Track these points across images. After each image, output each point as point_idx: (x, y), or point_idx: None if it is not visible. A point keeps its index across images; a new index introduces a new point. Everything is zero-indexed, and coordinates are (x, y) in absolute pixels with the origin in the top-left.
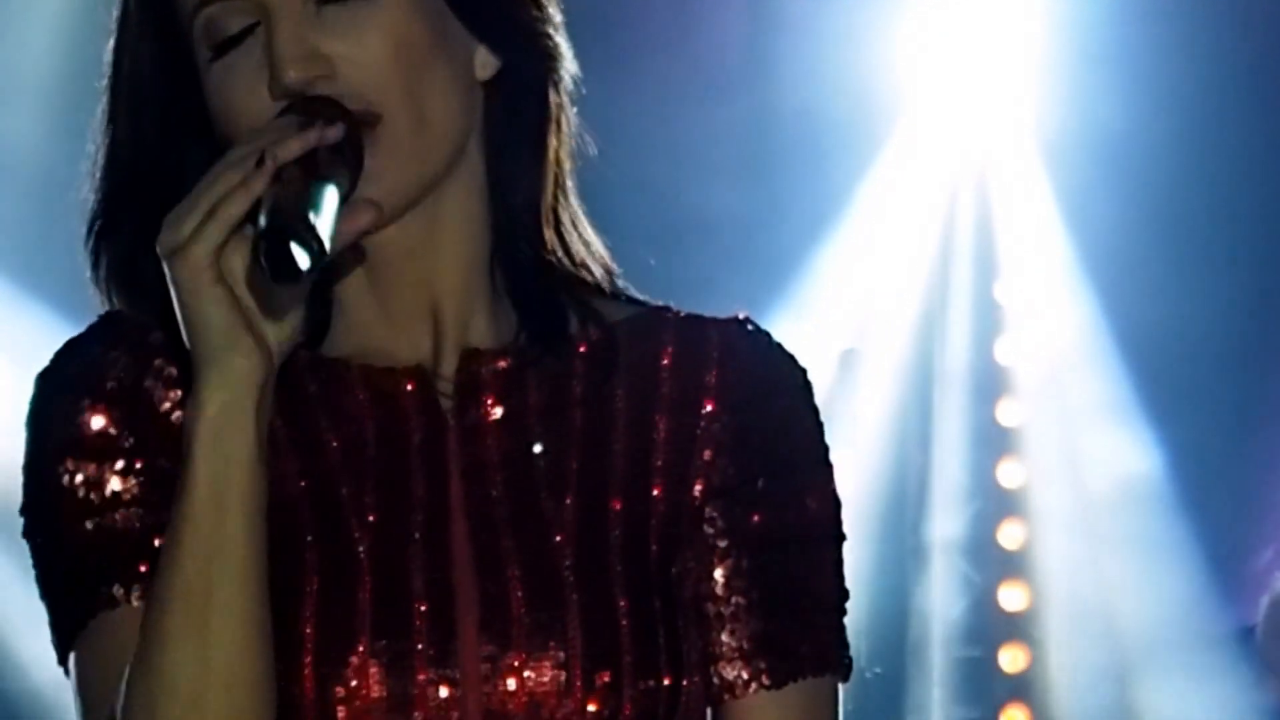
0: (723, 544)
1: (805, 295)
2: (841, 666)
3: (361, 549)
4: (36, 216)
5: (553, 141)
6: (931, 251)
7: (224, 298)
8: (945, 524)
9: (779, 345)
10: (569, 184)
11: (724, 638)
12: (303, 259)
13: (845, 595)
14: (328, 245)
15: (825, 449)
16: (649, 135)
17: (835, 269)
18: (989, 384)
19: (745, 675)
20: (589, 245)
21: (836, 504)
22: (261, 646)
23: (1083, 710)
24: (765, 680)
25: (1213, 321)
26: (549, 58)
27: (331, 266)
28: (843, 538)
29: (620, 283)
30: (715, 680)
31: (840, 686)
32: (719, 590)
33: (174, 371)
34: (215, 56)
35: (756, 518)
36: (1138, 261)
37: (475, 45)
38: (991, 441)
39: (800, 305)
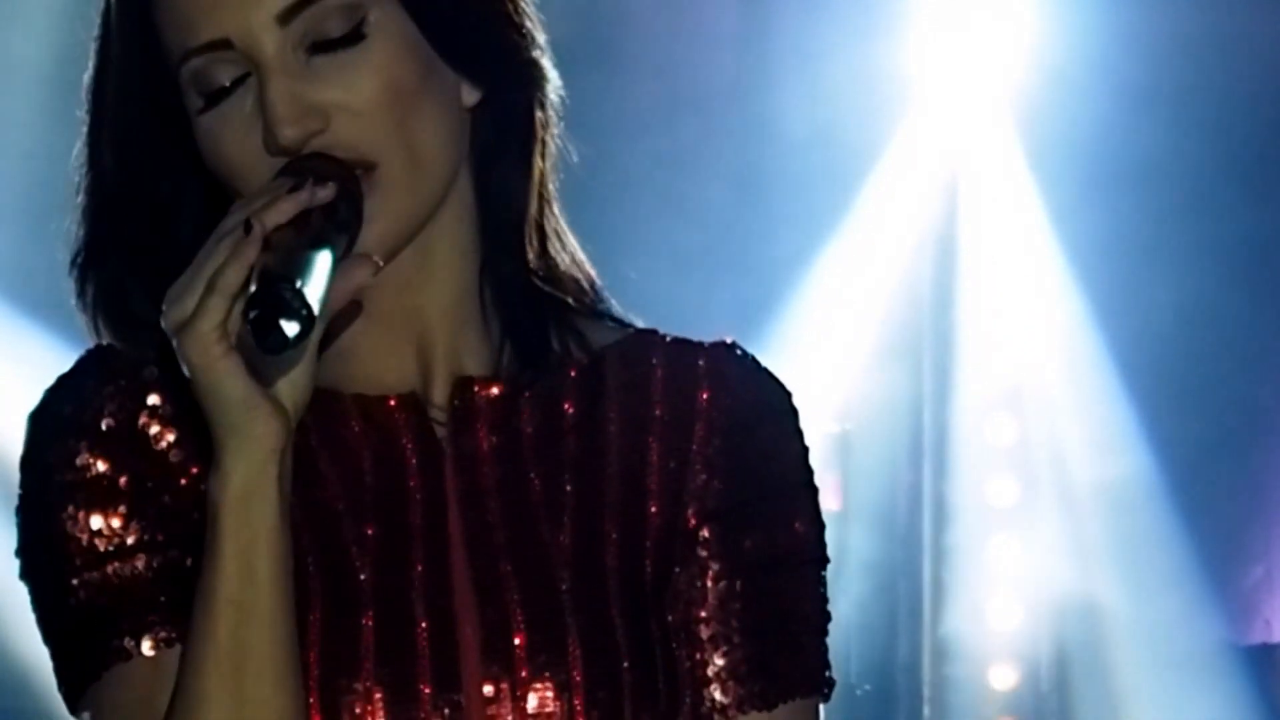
0: (715, 567)
1: (797, 317)
2: (826, 686)
3: (363, 577)
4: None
5: (538, 162)
6: (921, 269)
7: (237, 368)
8: (935, 541)
9: (765, 370)
10: (553, 198)
11: (717, 659)
12: (290, 328)
13: (828, 617)
14: (316, 311)
15: (810, 473)
16: (644, 147)
17: (830, 279)
18: (982, 400)
19: (737, 697)
20: (574, 257)
21: (821, 527)
22: (296, 704)
23: None
24: (757, 702)
25: (1202, 325)
26: (531, 80)
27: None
28: (826, 560)
29: (606, 299)
30: (706, 702)
31: (821, 707)
32: (711, 613)
33: (170, 409)
34: (206, 107)
35: (749, 541)
36: (1127, 265)
37: (460, 75)
38: (982, 459)
39: (797, 314)
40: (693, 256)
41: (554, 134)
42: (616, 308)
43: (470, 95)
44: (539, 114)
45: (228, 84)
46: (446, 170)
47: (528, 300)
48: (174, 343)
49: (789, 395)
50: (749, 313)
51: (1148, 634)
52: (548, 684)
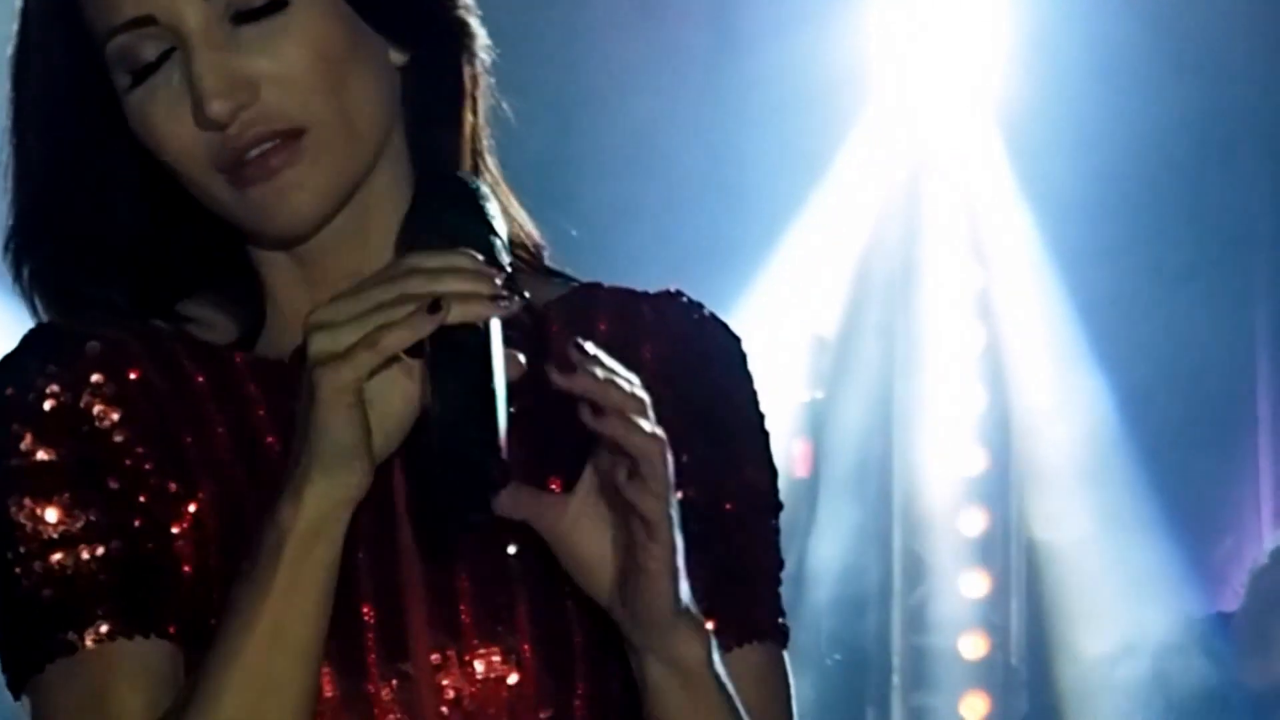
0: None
1: (770, 281)
2: (782, 633)
3: None
4: None
5: (469, 118)
6: (896, 235)
7: (357, 420)
8: (905, 510)
9: (712, 315)
10: (490, 158)
11: None
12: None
13: (781, 564)
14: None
15: (761, 418)
16: (608, 118)
17: (800, 255)
18: (953, 372)
19: None
20: (510, 214)
21: (773, 473)
22: None
23: (1044, 697)
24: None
25: (1179, 304)
26: (458, 39)
27: (265, 263)
28: (779, 507)
29: (546, 255)
30: None
31: (785, 655)
32: None
33: (113, 387)
34: (134, 84)
35: (695, 490)
36: (1103, 243)
37: (385, 37)
38: (954, 429)
39: (765, 291)
40: (663, 228)
41: (485, 91)
42: (558, 263)
43: (398, 56)
44: (467, 71)
45: (154, 59)
46: (377, 131)
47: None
48: (309, 368)
49: (737, 340)
50: (720, 282)
51: (1116, 605)
52: (495, 650)
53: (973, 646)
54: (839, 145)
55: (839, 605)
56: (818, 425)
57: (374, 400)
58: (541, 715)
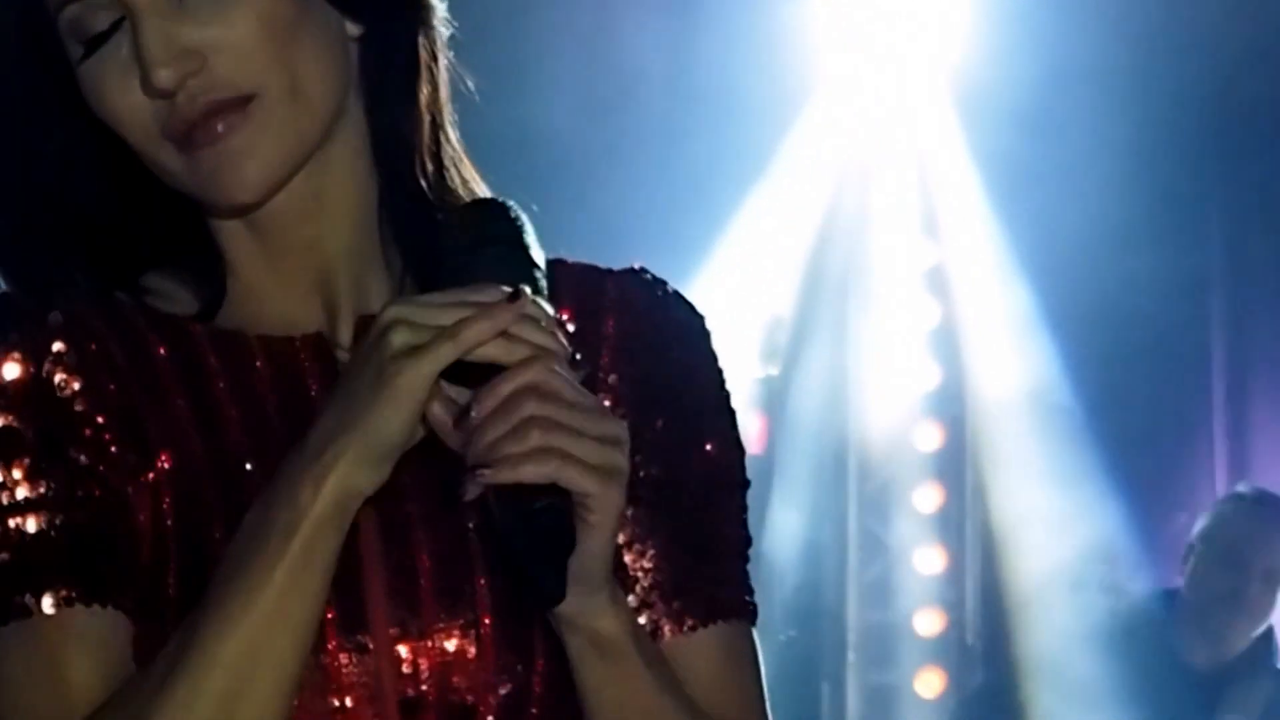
0: (629, 493)
1: (725, 258)
2: (750, 611)
3: None
4: None
5: (425, 89)
6: (847, 212)
7: (414, 420)
8: (861, 487)
9: (675, 292)
10: (450, 130)
11: (637, 585)
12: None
13: (749, 541)
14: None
15: (726, 395)
16: (561, 98)
17: (755, 232)
18: (907, 348)
19: (662, 620)
20: (473, 190)
21: (739, 450)
22: (289, 712)
23: (998, 672)
24: (683, 624)
25: (1136, 279)
26: (413, 11)
27: (224, 235)
28: (746, 484)
29: None
30: None
31: (754, 632)
32: (628, 538)
33: (75, 356)
34: (86, 54)
35: (658, 468)
36: (1056, 216)
37: (337, 8)
38: (910, 407)
39: (720, 269)
40: (617, 207)
41: (442, 62)
42: None
43: (353, 28)
44: (423, 43)
45: (105, 29)
46: (329, 99)
47: (427, 232)
48: (388, 353)
49: (702, 318)
50: (675, 260)
51: (1070, 581)
52: (455, 623)
53: (928, 623)
54: (793, 122)
55: (794, 581)
56: (773, 402)
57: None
58: (501, 690)
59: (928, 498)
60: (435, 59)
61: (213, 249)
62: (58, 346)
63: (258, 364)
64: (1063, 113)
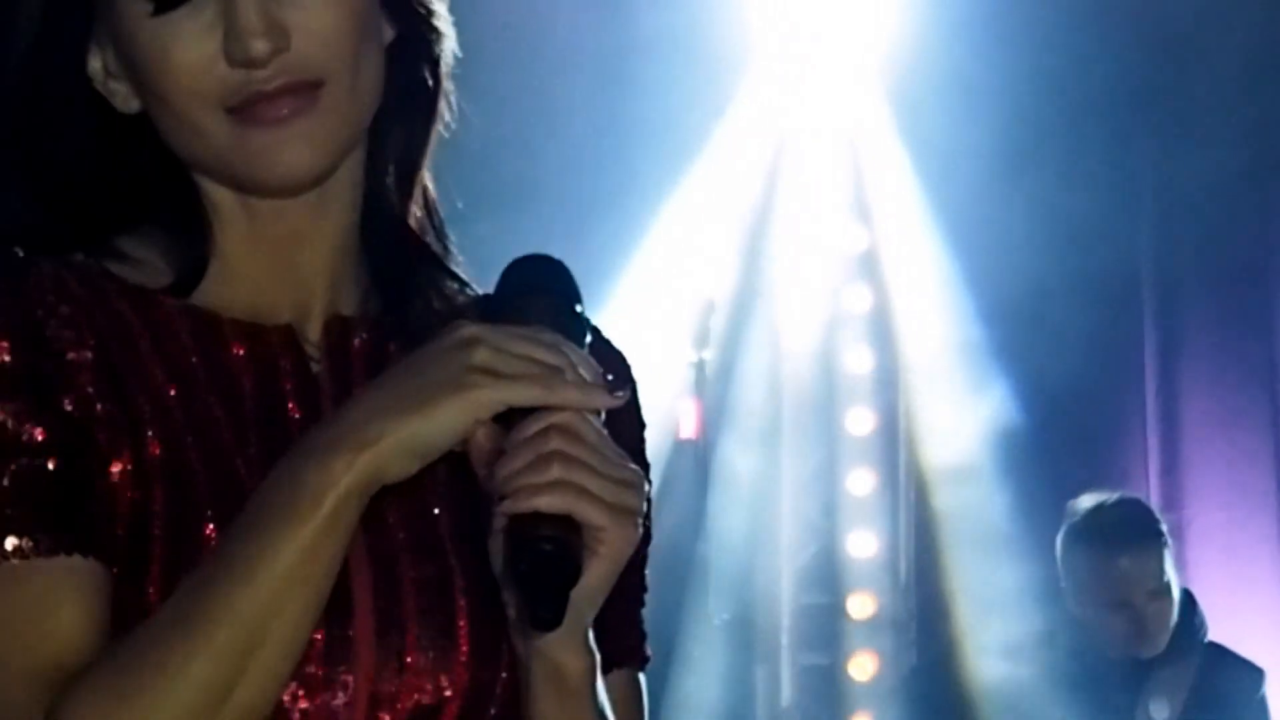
0: None
1: (657, 243)
2: (645, 659)
3: None
4: None
5: (442, 111)
6: (779, 197)
7: (463, 433)
8: (795, 469)
9: (607, 341)
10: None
11: None
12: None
13: (646, 590)
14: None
15: (643, 445)
16: (493, 86)
17: (687, 216)
18: (836, 330)
19: None
20: (438, 214)
21: (648, 505)
22: (287, 680)
23: (932, 655)
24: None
25: (1066, 263)
26: (438, 29)
27: (219, 214)
28: (649, 537)
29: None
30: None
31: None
32: None
33: (66, 309)
34: (157, 10)
35: None
36: (988, 201)
37: (381, 11)
38: (843, 391)
39: (652, 253)
40: (550, 193)
41: (449, 89)
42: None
43: (388, 32)
44: (443, 64)
45: None
46: (375, 97)
47: (401, 248)
48: (467, 365)
49: (628, 365)
50: (608, 245)
51: (1002, 569)
52: (433, 637)
53: (861, 606)
54: (724, 108)
55: (728, 565)
56: (707, 385)
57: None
58: (465, 692)
59: (860, 481)
60: (448, 81)
61: (201, 224)
62: (50, 298)
63: (234, 347)
64: (994, 98)
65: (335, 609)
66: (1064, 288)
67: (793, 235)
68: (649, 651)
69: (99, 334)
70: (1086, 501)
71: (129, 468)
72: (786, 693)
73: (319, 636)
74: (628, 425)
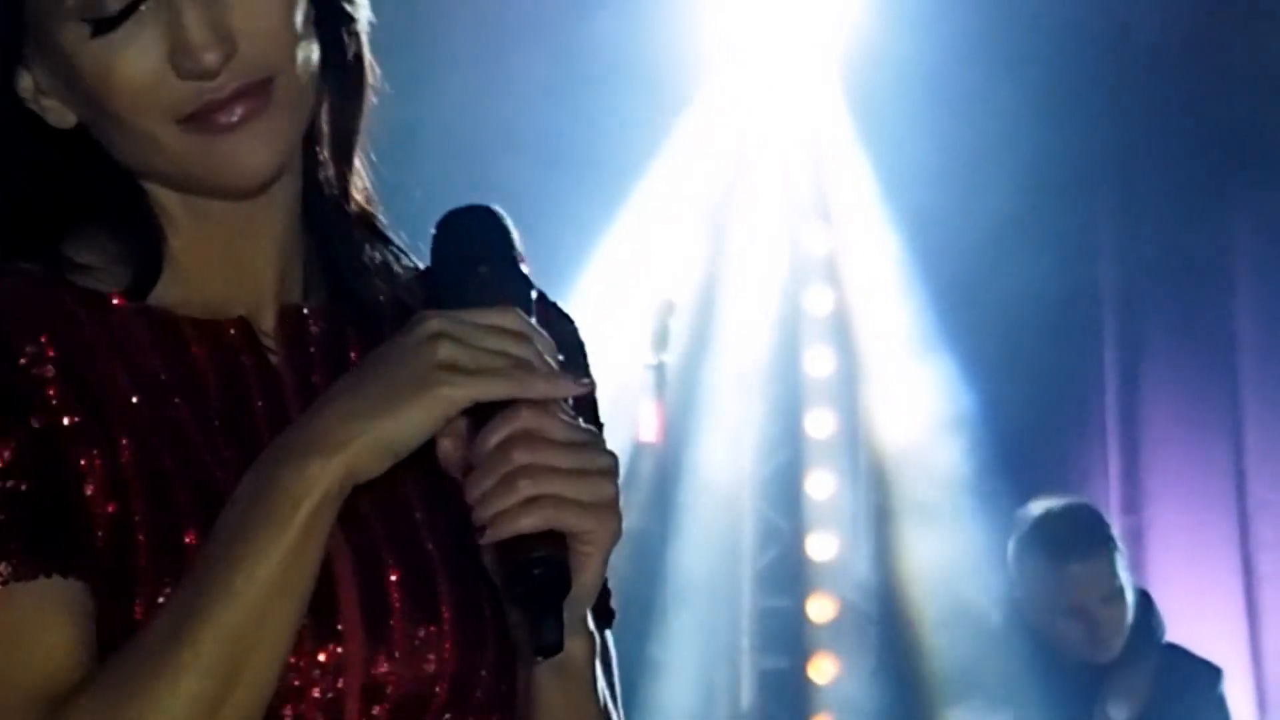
0: None
1: (616, 245)
2: (610, 615)
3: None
4: None
5: (370, 82)
6: (741, 203)
7: (433, 429)
8: (755, 472)
9: (554, 306)
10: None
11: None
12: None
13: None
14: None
15: (596, 409)
16: (450, 85)
17: (647, 218)
18: (797, 333)
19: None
20: (371, 194)
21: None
22: (273, 687)
23: (892, 658)
24: None
25: (1022, 259)
26: (356, 5)
27: (168, 216)
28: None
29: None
30: (509, 632)
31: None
32: None
33: (25, 322)
34: (96, 32)
35: None
36: (946, 201)
37: None
38: (803, 392)
39: (610, 255)
40: (507, 194)
41: (373, 64)
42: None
43: (310, 10)
44: (364, 40)
45: (115, 13)
46: (315, 92)
47: (344, 232)
48: (432, 363)
49: (576, 328)
50: (566, 247)
51: (963, 570)
52: (420, 625)
53: (821, 609)
54: (684, 107)
55: (688, 566)
56: (667, 389)
57: None
58: (453, 677)
59: (820, 484)
60: (371, 59)
61: (152, 227)
62: (12, 310)
63: (192, 345)
64: (954, 99)
65: (321, 606)
66: (1025, 291)
67: (753, 237)
68: (614, 607)
69: (60, 345)
70: (1035, 509)
71: (103, 479)
72: (747, 696)
73: (307, 635)
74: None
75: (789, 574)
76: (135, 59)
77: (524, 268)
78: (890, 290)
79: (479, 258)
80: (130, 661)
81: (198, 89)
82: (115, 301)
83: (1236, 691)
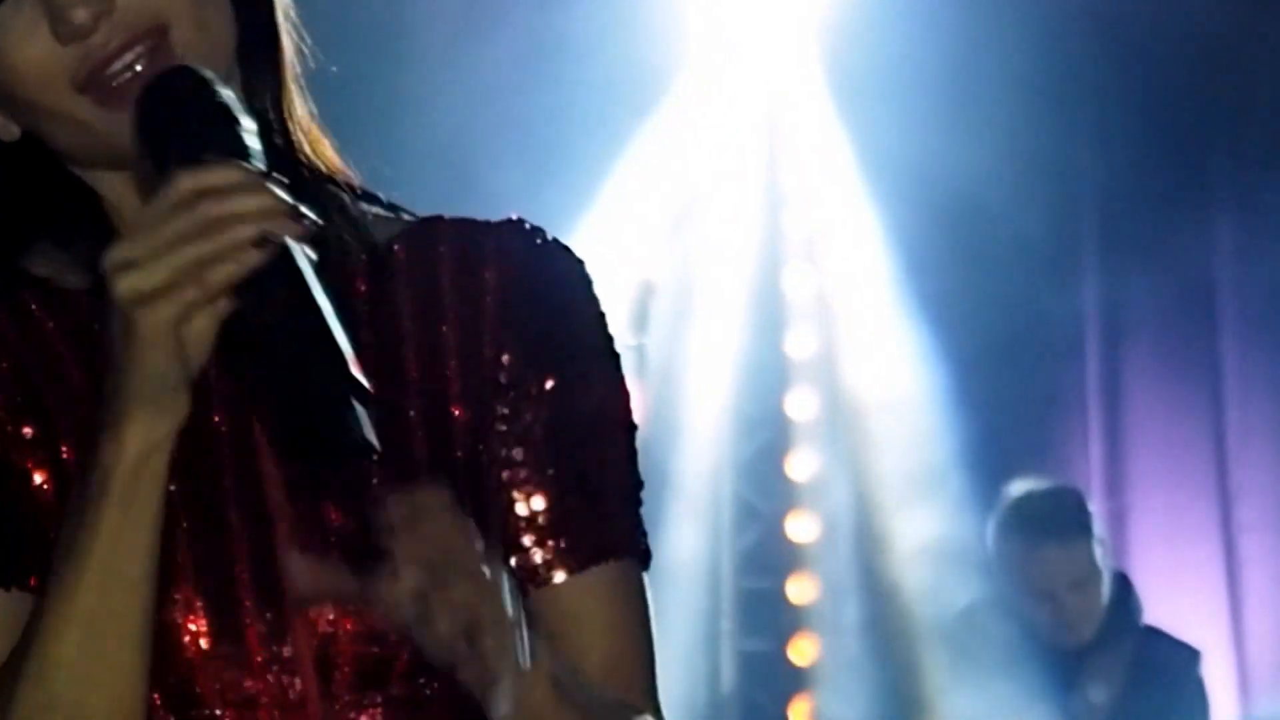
0: (515, 438)
1: (595, 225)
2: (640, 552)
3: (173, 487)
4: None
5: (287, 42)
6: (720, 185)
7: (176, 354)
8: (733, 454)
9: (555, 240)
10: (299, 101)
11: (522, 530)
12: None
13: (640, 484)
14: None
15: (609, 339)
16: (428, 68)
17: (626, 198)
18: (776, 315)
19: (545, 560)
20: (334, 160)
21: (624, 392)
22: (146, 666)
23: (872, 640)
24: (566, 563)
25: (1003, 243)
26: None
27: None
28: (633, 427)
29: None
30: (518, 571)
31: (644, 574)
32: (514, 483)
33: None
34: None
35: (544, 409)
36: (930, 196)
37: None
38: (785, 374)
39: (589, 236)
40: (485, 177)
41: (294, 19)
42: (395, 201)
43: None
44: (279, 6)
45: None
46: (230, 40)
47: (297, 186)
48: (120, 306)
49: (581, 263)
50: (543, 226)
51: (942, 556)
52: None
53: (801, 590)
54: (662, 90)
55: (669, 548)
56: (647, 370)
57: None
58: (404, 653)
59: (802, 465)
60: (288, 18)
61: (108, 223)
62: None
63: None
64: (933, 80)
65: (265, 582)
66: (1006, 274)
67: (732, 217)
68: (646, 545)
69: (11, 350)
70: (1017, 489)
71: (51, 483)
72: (727, 677)
73: (250, 620)
74: (585, 324)
75: (769, 555)
76: (23, 38)
77: (245, 123)
78: (871, 272)
79: (168, 135)
80: (14, 654)
81: (84, 51)
82: (79, 297)
83: (1218, 674)
